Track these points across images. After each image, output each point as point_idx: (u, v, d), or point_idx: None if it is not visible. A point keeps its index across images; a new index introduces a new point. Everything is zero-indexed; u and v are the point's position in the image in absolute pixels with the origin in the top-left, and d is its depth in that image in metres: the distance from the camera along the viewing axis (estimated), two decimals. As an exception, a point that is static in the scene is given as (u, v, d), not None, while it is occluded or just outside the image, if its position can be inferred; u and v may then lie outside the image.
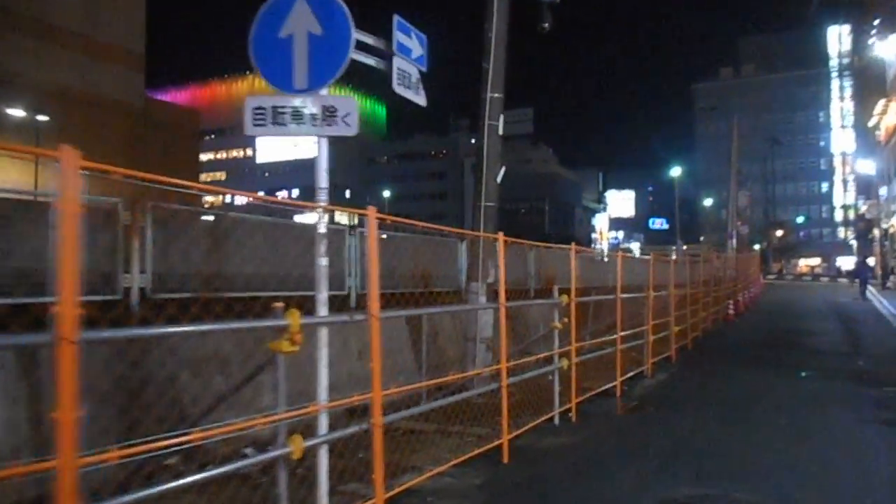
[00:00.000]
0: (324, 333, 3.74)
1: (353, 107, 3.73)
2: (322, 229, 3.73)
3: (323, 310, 3.75)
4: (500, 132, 8.50)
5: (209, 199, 66.05)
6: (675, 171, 43.86)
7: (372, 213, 3.90)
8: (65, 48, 30.14)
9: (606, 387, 8.11)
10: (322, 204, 3.76)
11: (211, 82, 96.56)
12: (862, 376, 9.47)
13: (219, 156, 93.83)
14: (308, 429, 3.63)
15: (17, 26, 27.57)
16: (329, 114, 3.72)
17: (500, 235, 5.58)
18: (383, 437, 3.83)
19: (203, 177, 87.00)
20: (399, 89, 4.16)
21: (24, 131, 27.82)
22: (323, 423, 3.68)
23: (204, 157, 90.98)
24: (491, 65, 8.38)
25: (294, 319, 3.31)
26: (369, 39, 4.02)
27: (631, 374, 9.19)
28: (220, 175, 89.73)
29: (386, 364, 7.73)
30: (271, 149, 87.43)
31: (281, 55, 3.82)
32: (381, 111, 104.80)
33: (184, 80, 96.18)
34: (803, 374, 9.71)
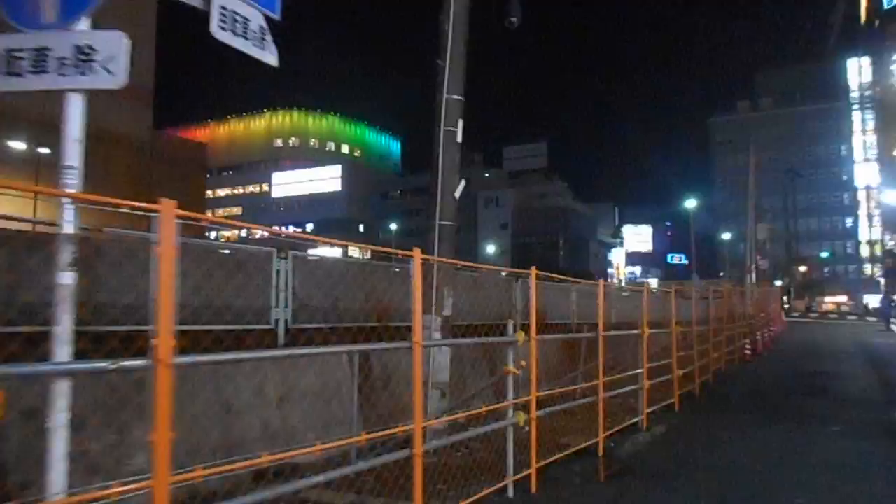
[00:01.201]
0: (64, 389, 2.42)
1: (119, 47, 2.49)
2: (68, 229, 2.45)
3: (63, 352, 2.44)
4: (459, 139, 7.26)
5: (226, 233, 65.78)
6: (691, 204, 42.23)
7: (168, 207, 2.60)
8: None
9: (586, 444, 6.64)
10: (70, 192, 2.48)
11: (228, 120, 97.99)
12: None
13: (235, 191, 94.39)
14: None
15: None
16: (84, 57, 2.48)
17: (416, 252, 4.25)
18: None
19: (220, 212, 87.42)
20: (222, 35, 2.91)
21: (27, 163, 27.47)
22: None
23: (221, 192, 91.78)
24: (447, 63, 7.20)
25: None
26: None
27: (621, 426, 7.69)
28: (237, 210, 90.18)
29: (316, 414, 6.45)
30: (287, 184, 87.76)
31: (29, -21, 2.62)
32: (395, 147, 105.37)
33: (202, 118, 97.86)
34: (831, 429, 8.08)
